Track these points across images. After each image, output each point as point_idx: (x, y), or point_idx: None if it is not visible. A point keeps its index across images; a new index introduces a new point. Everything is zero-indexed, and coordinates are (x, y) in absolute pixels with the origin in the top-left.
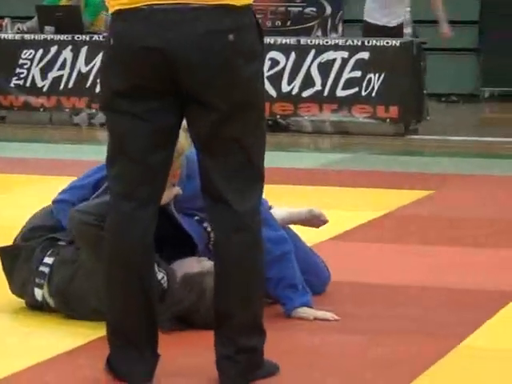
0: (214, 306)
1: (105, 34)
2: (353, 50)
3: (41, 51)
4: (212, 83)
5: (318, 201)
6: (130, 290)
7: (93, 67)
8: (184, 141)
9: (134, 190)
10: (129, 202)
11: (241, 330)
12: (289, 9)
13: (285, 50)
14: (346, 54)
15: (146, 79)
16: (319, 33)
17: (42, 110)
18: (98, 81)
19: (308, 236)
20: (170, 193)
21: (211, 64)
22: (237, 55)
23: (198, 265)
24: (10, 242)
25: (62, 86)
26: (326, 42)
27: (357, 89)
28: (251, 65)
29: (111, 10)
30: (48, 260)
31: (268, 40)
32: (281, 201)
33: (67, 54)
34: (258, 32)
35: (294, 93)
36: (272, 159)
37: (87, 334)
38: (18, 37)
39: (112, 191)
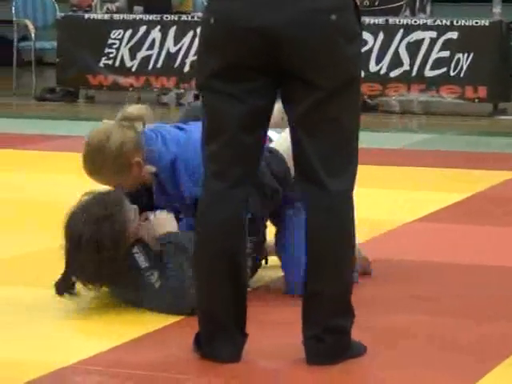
0: (303, 286)
1: (194, 14)
2: (441, 30)
3: (130, 31)
4: (316, 61)
5: (405, 181)
6: (220, 270)
7: (181, 47)
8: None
9: (228, 170)
10: (222, 181)
11: (329, 310)
12: None
13: (373, 29)
14: (434, 34)
15: (246, 58)
16: (407, 12)
17: (130, 89)
18: (187, 61)
19: (394, 217)
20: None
21: (315, 42)
22: (339, 35)
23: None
24: None
25: (150, 66)
26: (415, 22)
27: (445, 69)
28: (352, 45)
29: None
30: None
31: None
32: (368, 181)
33: (156, 34)
34: (356, 13)
35: (381, 73)
36: (360, 139)
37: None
38: (107, 17)
39: (207, 170)
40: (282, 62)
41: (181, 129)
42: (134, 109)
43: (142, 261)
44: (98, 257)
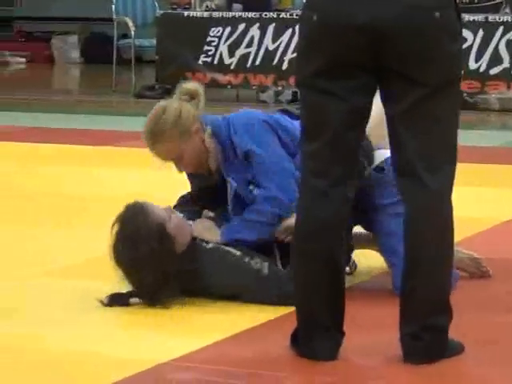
0: (401, 284)
1: (293, 11)
2: None
3: (228, 29)
4: (420, 58)
5: (504, 179)
6: (318, 268)
7: (280, 44)
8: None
9: (329, 168)
10: (323, 179)
11: (427, 308)
12: None
13: (472, 27)
14: None
15: (349, 56)
16: (507, 10)
17: (229, 87)
18: (285, 58)
19: (493, 215)
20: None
21: (419, 39)
22: (442, 32)
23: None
24: None
25: (249, 64)
26: None
27: None
28: (454, 43)
29: None
30: None
31: None
32: (466, 179)
33: (255, 31)
34: (457, 11)
35: (481, 70)
36: (459, 137)
37: (273, 310)
38: (206, 14)
39: (305, 168)
40: (385, 59)
41: None
42: (191, 85)
43: (232, 249)
44: (156, 263)
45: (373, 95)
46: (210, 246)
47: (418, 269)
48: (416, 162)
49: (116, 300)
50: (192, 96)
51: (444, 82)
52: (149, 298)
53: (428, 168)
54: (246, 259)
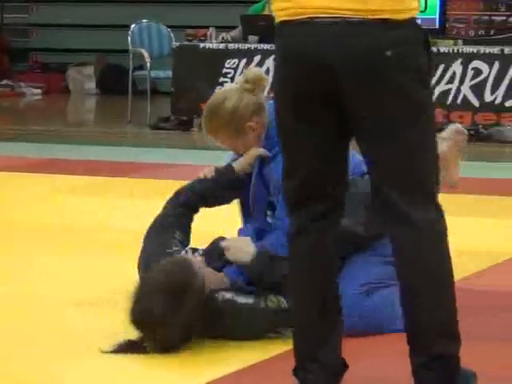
0: (403, 315)
1: None
2: None
3: (244, 60)
4: (365, 94)
5: None
6: (306, 301)
7: None
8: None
9: (307, 205)
10: (302, 214)
11: (433, 337)
12: (492, 18)
13: (488, 59)
14: None
15: (309, 91)
16: None
17: None
18: None
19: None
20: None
21: (366, 77)
22: (393, 69)
23: None
24: None
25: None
26: None
27: None
28: (410, 78)
29: (277, 20)
30: None
31: (471, 49)
32: (481, 211)
33: (270, 63)
34: (423, 46)
35: (496, 102)
36: (474, 170)
37: (277, 345)
38: (222, 46)
39: (289, 203)
40: (339, 96)
41: None
42: (254, 71)
43: (242, 299)
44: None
45: (344, 128)
46: (225, 298)
47: (415, 303)
48: (381, 181)
49: (130, 347)
50: (255, 83)
51: (392, 119)
52: (165, 349)
53: (404, 199)
54: (262, 304)
